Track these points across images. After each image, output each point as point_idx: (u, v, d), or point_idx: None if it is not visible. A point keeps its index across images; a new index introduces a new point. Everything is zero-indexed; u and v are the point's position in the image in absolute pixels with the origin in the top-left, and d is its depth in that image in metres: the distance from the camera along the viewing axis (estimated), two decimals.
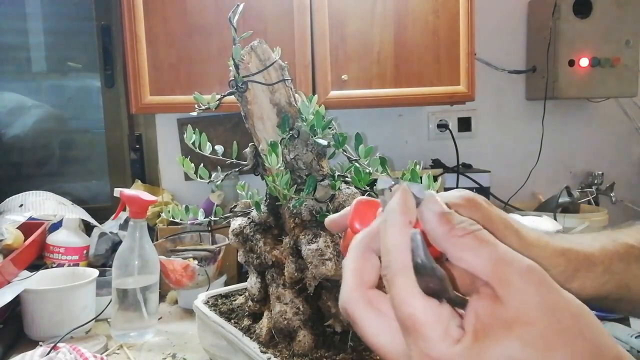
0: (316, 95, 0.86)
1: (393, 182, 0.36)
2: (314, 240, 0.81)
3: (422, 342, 0.32)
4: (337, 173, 0.87)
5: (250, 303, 0.94)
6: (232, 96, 0.88)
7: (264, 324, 0.88)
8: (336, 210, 0.83)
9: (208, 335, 1.00)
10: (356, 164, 0.83)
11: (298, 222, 0.85)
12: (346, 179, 0.86)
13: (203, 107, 0.91)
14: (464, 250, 0.33)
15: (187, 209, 0.96)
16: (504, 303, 0.31)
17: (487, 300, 0.32)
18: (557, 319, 0.31)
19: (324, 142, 0.82)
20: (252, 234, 0.92)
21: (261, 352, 0.84)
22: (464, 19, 1.58)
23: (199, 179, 0.94)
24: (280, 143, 0.84)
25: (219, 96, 0.90)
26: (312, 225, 0.84)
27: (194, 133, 0.92)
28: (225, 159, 0.95)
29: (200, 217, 0.97)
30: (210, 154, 0.93)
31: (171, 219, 0.97)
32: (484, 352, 0.31)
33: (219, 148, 0.94)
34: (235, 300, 1.03)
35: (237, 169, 0.96)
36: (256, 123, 0.87)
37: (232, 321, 0.95)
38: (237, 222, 0.96)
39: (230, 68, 0.86)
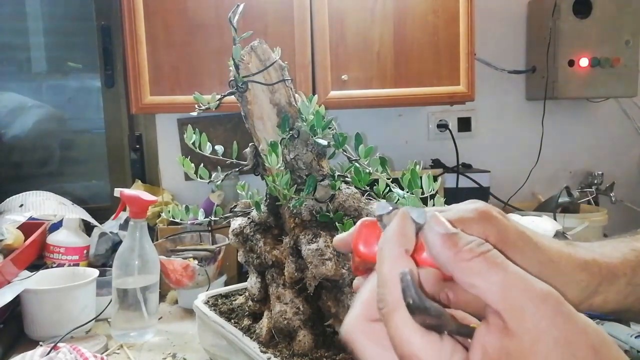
0: (316, 95, 0.86)
1: (391, 208, 0.35)
2: (314, 240, 0.81)
3: None
4: (337, 173, 0.87)
5: (250, 303, 0.94)
6: (232, 96, 0.88)
7: (264, 324, 0.88)
8: (336, 211, 0.84)
9: (208, 335, 1.00)
10: (356, 164, 0.83)
11: (298, 222, 0.85)
12: (346, 179, 0.86)
13: (203, 107, 0.91)
14: (472, 275, 0.31)
15: (187, 209, 0.96)
16: (515, 335, 0.29)
17: (496, 333, 0.30)
18: (572, 353, 0.29)
19: (324, 142, 0.83)
20: (252, 234, 0.92)
21: (261, 352, 0.84)
22: (463, 19, 1.58)
23: (199, 179, 0.94)
24: (280, 143, 0.84)
25: (219, 96, 0.90)
26: (312, 225, 0.84)
27: (194, 133, 0.92)
28: (225, 159, 0.95)
29: (200, 217, 0.97)
30: (210, 154, 0.93)
31: (171, 219, 0.97)
32: None
33: (219, 148, 0.94)
34: (235, 300, 1.03)
35: (237, 169, 0.96)
36: (256, 123, 0.87)
37: (232, 321, 0.95)
38: (237, 222, 0.96)
39: (230, 68, 0.86)
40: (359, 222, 0.39)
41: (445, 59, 1.59)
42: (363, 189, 0.84)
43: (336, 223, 0.81)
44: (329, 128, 0.83)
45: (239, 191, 0.96)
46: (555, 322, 0.29)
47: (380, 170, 0.81)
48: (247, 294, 0.97)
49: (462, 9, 1.58)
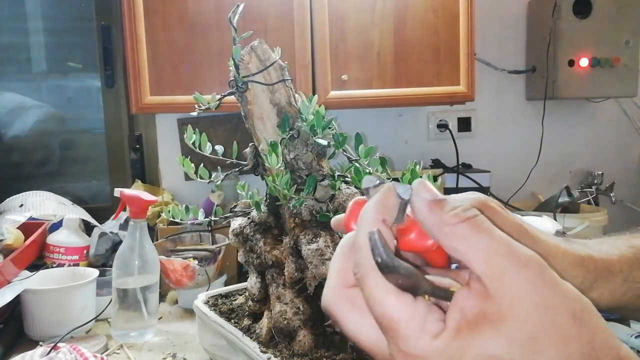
0: (316, 95, 0.86)
1: (378, 182, 0.36)
2: (314, 240, 0.81)
3: (400, 340, 0.30)
4: (337, 173, 0.87)
5: (250, 303, 0.94)
6: (232, 96, 0.88)
7: (264, 324, 0.88)
8: (336, 211, 0.84)
9: (208, 335, 1.00)
10: (356, 164, 0.83)
11: (298, 222, 0.85)
12: (346, 179, 0.86)
13: (203, 107, 0.91)
14: (456, 240, 0.31)
15: (187, 209, 0.96)
16: (494, 299, 0.29)
17: (477, 297, 0.30)
18: (551, 318, 0.29)
19: (324, 142, 0.83)
20: (252, 234, 0.92)
21: (261, 352, 0.84)
22: (464, 18, 1.58)
23: (199, 179, 0.94)
24: (280, 143, 0.84)
25: (219, 96, 0.90)
26: (312, 225, 0.84)
27: (194, 133, 0.92)
28: (225, 159, 0.95)
29: (200, 217, 0.97)
30: (210, 154, 0.93)
31: (171, 219, 0.97)
32: (466, 349, 0.29)
33: (219, 148, 0.94)
34: (235, 300, 1.03)
35: (237, 169, 0.96)
36: (256, 123, 0.87)
37: (232, 321, 0.95)
38: (237, 222, 0.96)
39: (230, 68, 0.86)
40: (351, 201, 0.39)
41: (445, 59, 1.59)
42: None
43: None
44: (329, 128, 0.83)
45: (239, 191, 0.96)
46: (536, 287, 0.29)
47: (380, 170, 0.81)
48: (247, 294, 0.97)
49: (462, 9, 1.58)
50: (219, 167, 0.97)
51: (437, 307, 0.32)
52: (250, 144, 0.94)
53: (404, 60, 1.58)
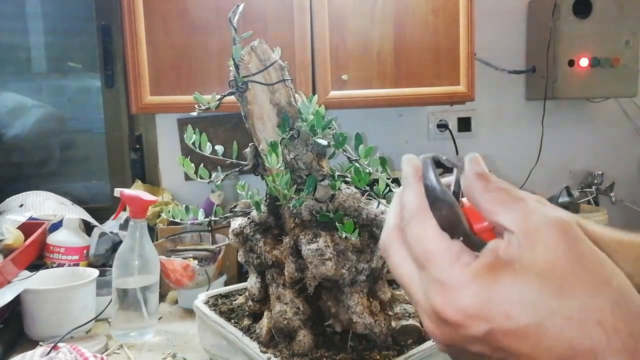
0: (316, 95, 0.86)
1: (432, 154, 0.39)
2: (314, 240, 0.81)
3: (433, 268, 0.33)
4: (337, 173, 0.87)
5: (250, 303, 0.94)
6: (232, 96, 0.88)
7: (264, 324, 0.88)
8: (336, 211, 0.84)
9: (208, 335, 1.00)
10: (356, 164, 0.83)
11: (298, 222, 0.85)
12: (346, 179, 0.86)
13: (203, 107, 0.91)
14: (496, 203, 0.34)
15: (187, 209, 0.96)
16: (527, 246, 0.32)
17: (509, 244, 0.32)
18: (581, 264, 0.31)
19: (324, 142, 0.83)
20: (252, 234, 0.92)
21: (261, 352, 0.84)
22: (464, 19, 1.58)
23: (199, 179, 0.94)
24: (280, 143, 0.84)
25: (219, 96, 0.90)
26: (312, 225, 0.84)
27: (194, 133, 0.92)
28: (225, 159, 0.95)
29: (200, 217, 0.97)
30: (210, 154, 0.93)
31: (171, 219, 0.97)
32: (498, 286, 0.31)
33: (219, 148, 0.94)
34: (235, 300, 1.03)
35: (237, 169, 0.96)
36: (256, 123, 0.87)
37: (232, 321, 0.95)
38: (237, 222, 0.96)
39: (230, 68, 0.86)
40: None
41: (445, 59, 1.59)
42: (363, 189, 0.84)
43: (336, 223, 0.81)
44: (329, 128, 0.83)
45: (239, 191, 0.96)
46: (567, 239, 0.31)
47: (380, 170, 0.81)
48: (247, 294, 0.97)
49: (462, 9, 1.58)
50: (219, 167, 0.97)
51: (469, 250, 0.34)
52: (250, 144, 0.94)
53: (404, 60, 1.57)
